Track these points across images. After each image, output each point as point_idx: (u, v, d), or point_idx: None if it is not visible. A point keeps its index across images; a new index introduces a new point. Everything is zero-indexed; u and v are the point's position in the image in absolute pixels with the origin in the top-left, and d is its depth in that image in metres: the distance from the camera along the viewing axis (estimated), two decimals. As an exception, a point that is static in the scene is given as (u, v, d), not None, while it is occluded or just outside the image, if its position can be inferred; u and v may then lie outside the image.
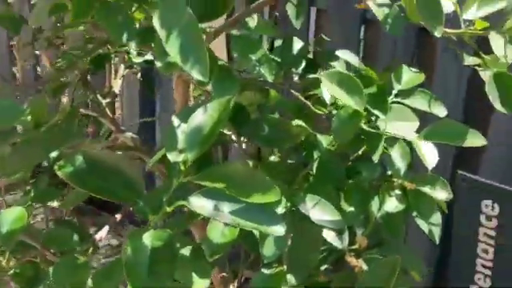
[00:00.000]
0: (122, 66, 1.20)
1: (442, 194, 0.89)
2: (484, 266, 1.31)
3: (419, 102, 0.83)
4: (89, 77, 1.08)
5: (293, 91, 0.82)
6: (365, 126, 0.76)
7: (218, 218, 0.64)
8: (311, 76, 0.98)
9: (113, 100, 1.16)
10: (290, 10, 1.00)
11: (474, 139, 0.75)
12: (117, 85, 1.18)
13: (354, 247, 0.96)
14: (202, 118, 0.65)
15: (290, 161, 0.97)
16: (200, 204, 0.64)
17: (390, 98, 0.82)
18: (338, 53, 1.02)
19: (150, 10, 0.59)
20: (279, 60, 0.90)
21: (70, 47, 1.05)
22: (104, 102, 1.09)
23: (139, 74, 1.21)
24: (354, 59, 1.02)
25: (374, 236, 0.97)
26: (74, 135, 0.86)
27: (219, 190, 0.61)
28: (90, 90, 1.07)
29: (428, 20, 0.74)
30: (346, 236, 0.94)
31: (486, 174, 1.49)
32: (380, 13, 0.74)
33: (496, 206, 1.29)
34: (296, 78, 1.01)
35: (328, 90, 0.70)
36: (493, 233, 1.30)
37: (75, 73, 1.03)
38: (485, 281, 1.31)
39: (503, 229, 1.29)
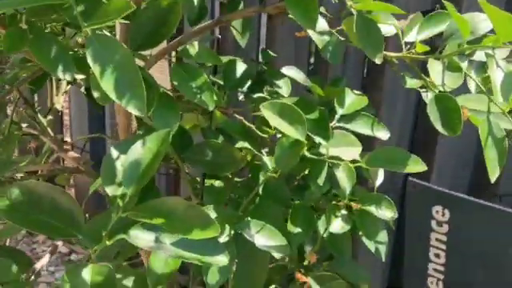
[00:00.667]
0: (65, 81, 1.17)
1: (387, 213, 0.90)
2: (436, 270, 1.33)
3: (362, 125, 0.83)
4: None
5: (236, 115, 0.81)
6: (307, 153, 0.76)
7: (160, 250, 0.63)
8: (256, 95, 0.98)
9: (55, 116, 1.13)
10: (236, 27, 1.00)
11: (416, 165, 0.76)
12: (59, 101, 1.15)
13: (303, 263, 0.96)
14: (140, 151, 0.63)
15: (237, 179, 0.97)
16: (141, 237, 0.63)
17: (333, 123, 0.82)
18: (284, 70, 1.01)
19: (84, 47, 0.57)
20: (222, 83, 0.89)
21: (9, 65, 1.02)
22: (45, 120, 1.06)
23: (83, 88, 1.18)
24: (299, 76, 1.02)
25: (324, 250, 0.98)
26: (11, 162, 0.83)
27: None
28: (31, 109, 1.04)
29: (368, 48, 0.74)
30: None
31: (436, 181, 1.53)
32: (320, 42, 0.74)
33: (446, 211, 1.31)
34: (241, 97, 1.00)
35: (270, 120, 0.70)
36: (444, 238, 1.33)
37: (14, 92, 1.00)
38: (437, 284, 1.34)
39: (454, 234, 1.32)
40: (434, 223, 1.33)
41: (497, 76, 0.64)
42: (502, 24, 0.63)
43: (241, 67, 0.91)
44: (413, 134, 1.59)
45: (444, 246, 1.33)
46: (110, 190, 0.64)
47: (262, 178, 0.89)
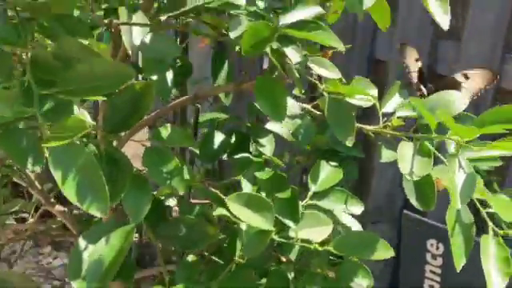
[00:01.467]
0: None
1: (364, 282, 0.90)
2: (431, 302, 1.35)
3: (335, 202, 0.83)
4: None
5: (212, 189, 0.82)
6: (276, 237, 0.76)
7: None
8: (239, 156, 0.98)
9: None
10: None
11: (385, 252, 0.76)
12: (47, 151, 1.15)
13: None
14: (103, 248, 0.64)
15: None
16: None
17: (305, 201, 0.83)
18: (268, 125, 1.02)
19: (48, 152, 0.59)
20: (199, 153, 0.90)
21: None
22: (32, 174, 1.07)
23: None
24: (284, 131, 1.03)
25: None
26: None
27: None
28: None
29: (338, 131, 0.75)
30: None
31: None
32: (291, 126, 0.75)
33: (441, 245, 1.32)
34: (225, 156, 1.01)
35: (236, 213, 0.70)
36: (438, 270, 1.34)
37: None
38: (432, 315, 1.36)
39: (448, 267, 1.33)
40: (428, 256, 1.34)
41: (457, 179, 0.64)
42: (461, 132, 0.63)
43: (218, 138, 0.92)
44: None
45: (438, 278, 1.34)
46: (76, 285, 0.66)
47: (238, 244, 0.90)
